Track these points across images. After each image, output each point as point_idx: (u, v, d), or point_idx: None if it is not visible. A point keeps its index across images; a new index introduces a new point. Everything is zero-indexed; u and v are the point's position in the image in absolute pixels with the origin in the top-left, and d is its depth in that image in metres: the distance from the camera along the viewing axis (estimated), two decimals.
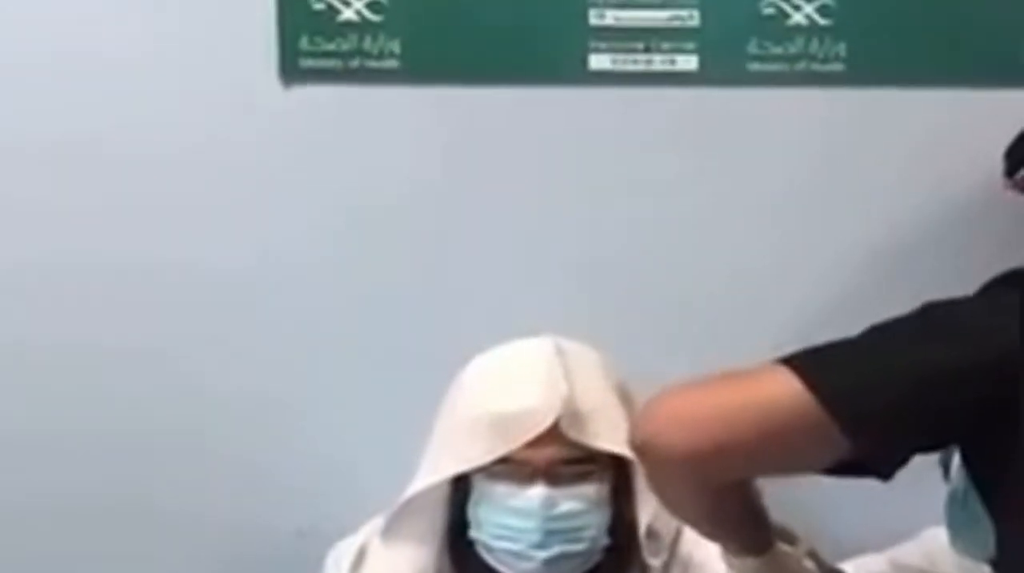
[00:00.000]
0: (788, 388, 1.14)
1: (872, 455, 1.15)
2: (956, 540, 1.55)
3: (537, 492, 1.44)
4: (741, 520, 1.29)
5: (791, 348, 1.65)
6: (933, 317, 1.19)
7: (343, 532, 1.61)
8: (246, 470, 1.81)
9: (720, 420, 1.15)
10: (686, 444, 1.15)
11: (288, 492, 1.82)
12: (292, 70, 1.74)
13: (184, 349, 1.79)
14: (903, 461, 1.17)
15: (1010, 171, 1.56)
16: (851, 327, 1.64)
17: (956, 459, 1.36)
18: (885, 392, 1.14)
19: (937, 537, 1.60)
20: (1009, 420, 1.13)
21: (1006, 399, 1.12)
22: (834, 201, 1.73)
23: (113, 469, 1.79)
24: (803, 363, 1.17)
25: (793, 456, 1.18)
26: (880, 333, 1.20)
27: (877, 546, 1.71)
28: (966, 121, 1.52)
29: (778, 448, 1.17)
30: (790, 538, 1.46)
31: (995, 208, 1.61)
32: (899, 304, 1.57)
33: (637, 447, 1.22)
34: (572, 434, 1.44)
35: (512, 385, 1.47)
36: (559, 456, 1.44)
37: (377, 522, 1.56)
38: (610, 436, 1.44)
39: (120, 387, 1.79)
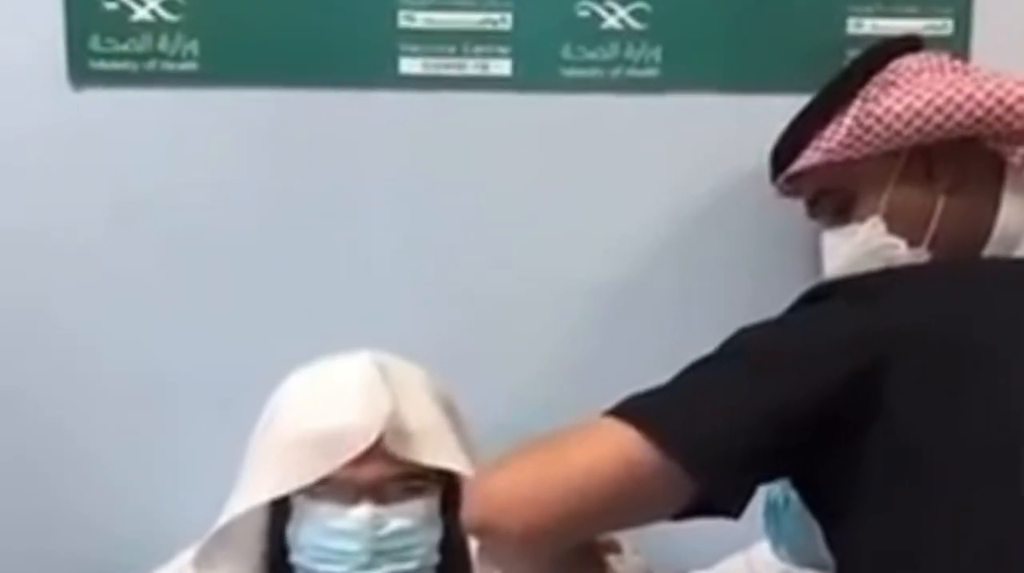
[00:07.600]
0: (624, 442, 1.11)
1: (721, 495, 1.13)
2: (777, 547, 1.58)
3: (363, 511, 1.37)
4: (580, 562, 1.26)
5: (584, 341, 1.69)
6: (759, 348, 1.17)
7: (141, 564, 1.53)
8: (37, 499, 1.70)
9: (556, 495, 1.11)
10: (525, 525, 1.11)
11: (81, 521, 1.70)
12: (82, 72, 1.63)
13: None
14: (751, 495, 1.16)
15: (773, 176, 1.58)
16: (642, 320, 1.68)
17: None
18: (731, 431, 1.11)
19: (761, 550, 1.62)
20: (849, 435, 1.12)
21: (847, 414, 1.12)
22: (651, 204, 1.73)
23: None
24: (636, 413, 1.13)
25: (638, 510, 1.15)
26: (707, 371, 1.17)
27: (703, 564, 1.71)
28: (780, 126, 1.54)
29: (621, 505, 1.13)
30: (615, 548, 1.46)
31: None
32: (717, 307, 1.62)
33: (473, 531, 1.18)
34: (397, 451, 1.38)
35: (332, 402, 1.41)
36: (385, 474, 1.39)
37: (187, 553, 1.48)
38: (436, 452, 1.40)
39: None
